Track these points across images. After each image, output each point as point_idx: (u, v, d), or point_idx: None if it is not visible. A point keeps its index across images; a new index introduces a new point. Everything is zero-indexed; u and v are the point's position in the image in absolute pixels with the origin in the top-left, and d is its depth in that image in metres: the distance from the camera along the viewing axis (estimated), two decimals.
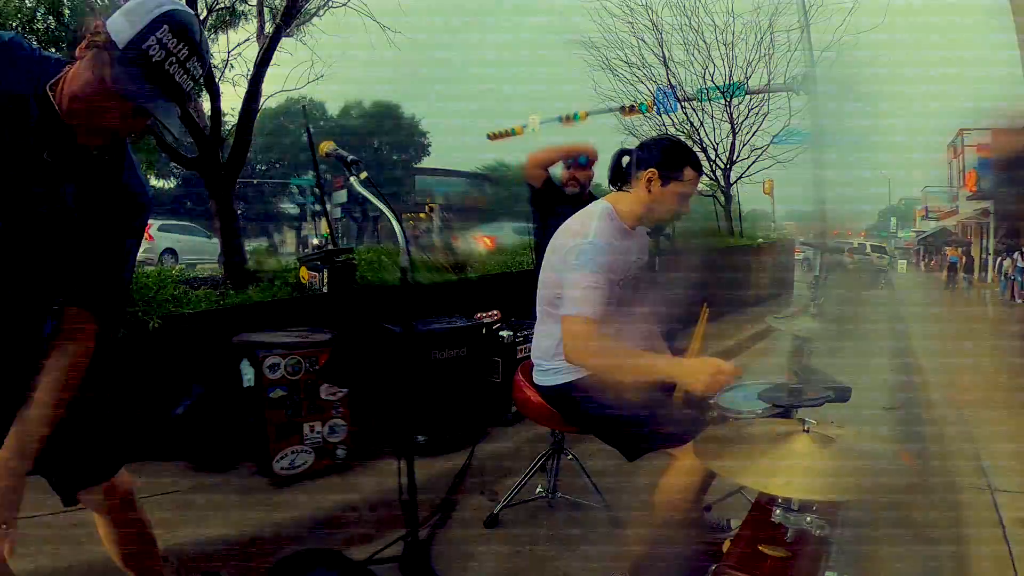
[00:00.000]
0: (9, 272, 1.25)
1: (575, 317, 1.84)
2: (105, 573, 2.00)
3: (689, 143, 12.41)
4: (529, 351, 2.29)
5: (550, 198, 3.28)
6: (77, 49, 1.17)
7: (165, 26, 1.13)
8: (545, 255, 2.11)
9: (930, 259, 27.85)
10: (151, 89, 1.15)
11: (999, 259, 15.83)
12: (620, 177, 2.10)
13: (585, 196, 3.23)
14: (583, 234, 1.94)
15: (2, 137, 1.16)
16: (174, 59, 1.15)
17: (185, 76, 1.18)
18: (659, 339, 2.31)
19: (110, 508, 1.50)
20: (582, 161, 3.30)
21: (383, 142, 31.82)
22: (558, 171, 3.41)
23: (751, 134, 12.03)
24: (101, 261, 1.33)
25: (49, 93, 1.18)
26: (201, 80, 1.26)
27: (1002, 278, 15.45)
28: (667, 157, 2.00)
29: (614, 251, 1.93)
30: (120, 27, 1.14)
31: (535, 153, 3.37)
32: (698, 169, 2.01)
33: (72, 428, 1.38)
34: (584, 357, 1.87)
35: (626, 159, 2.10)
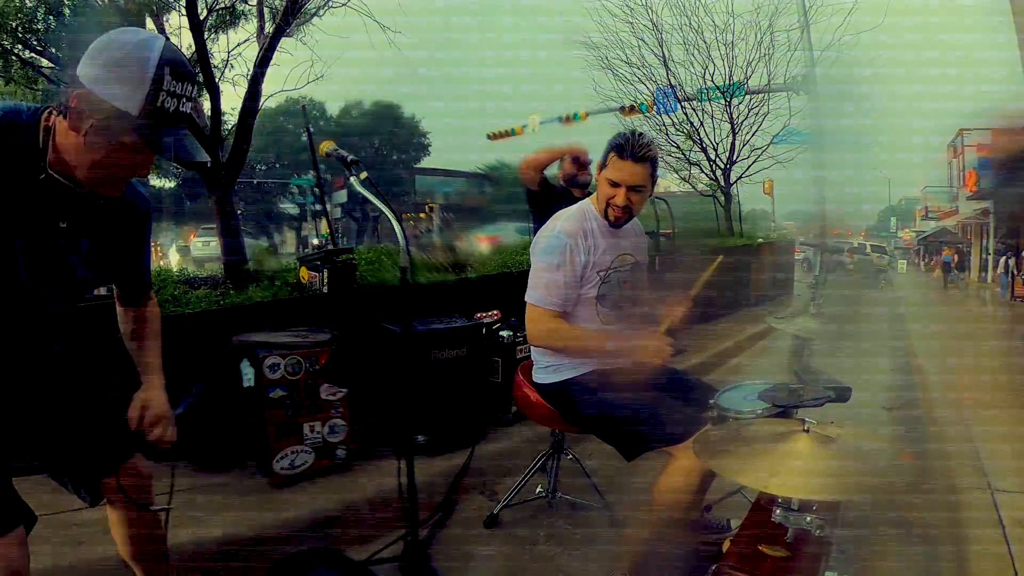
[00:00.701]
0: (31, 300, 1.31)
1: (530, 303, 2.04)
2: (105, 573, 2.01)
3: (689, 143, 12.42)
4: (529, 351, 2.30)
5: (547, 199, 3.29)
6: (68, 120, 1.16)
7: (168, 76, 1.15)
8: None
9: (930, 259, 27.89)
10: (177, 135, 1.20)
11: (1005, 257, 15.81)
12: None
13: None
14: (550, 228, 2.09)
15: (13, 219, 1.19)
16: (184, 98, 1.19)
17: (191, 103, 1.22)
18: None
19: (131, 492, 1.52)
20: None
21: (383, 142, 31.80)
22: (555, 170, 3.42)
23: (751, 134, 12.03)
24: (119, 267, 1.45)
25: (52, 173, 1.20)
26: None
27: (1007, 277, 15.41)
28: (608, 146, 2.06)
29: (583, 246, 2.03)
30: (120, 95, 1.13)
31: (529, 157, 3.39)
32: (620, 153, 1.99)
33: (87, 418, 1.47)
34: (538, 340, 2.08)
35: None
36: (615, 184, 2.02)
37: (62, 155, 1.20)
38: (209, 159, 1.70)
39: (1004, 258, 15.52)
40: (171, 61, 1.16)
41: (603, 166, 2.05)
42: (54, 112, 1.20)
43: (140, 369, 1.56)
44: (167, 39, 1.20)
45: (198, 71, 1.25)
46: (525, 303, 2.08)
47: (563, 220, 2.10)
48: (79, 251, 1.32)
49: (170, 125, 1.18)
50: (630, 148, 1.99)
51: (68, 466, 1.49)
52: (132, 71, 1.13)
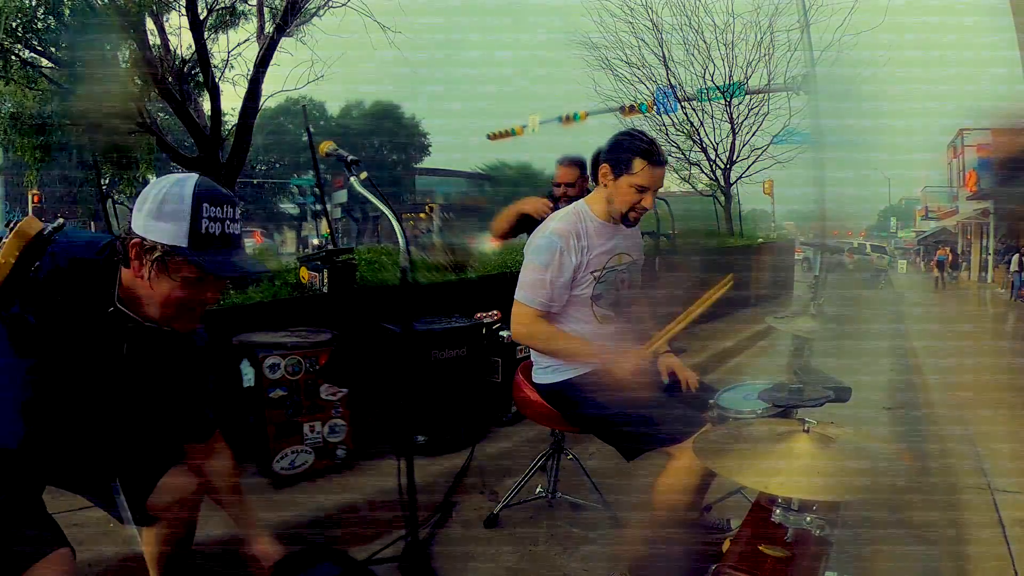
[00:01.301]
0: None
1: (516, 301, 2.06)
2: (105, 573, 2.01)
3: (689, 143, 12.39)
4: (529, 351, 2.30)
5: (533, 223, 3.28)
6: (132, 268, 1.27)
7: (204, 204, 1.24)
8: None
9: (929, 259, 27.93)
10: (231, 255, 1.29)
11: (1019, 255, 15.74)
12: (593, 174, 2.17)
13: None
14: (543, 229, 2.10)
15: (81, 348, 1.29)
16: (228, 220, 1.28)
17: (237, 224, 1.32)
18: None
19: (179, 507, 1.56)
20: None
21: (383, 142, 31.82)
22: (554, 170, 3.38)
23: (751, 134, 12.05)
24: (188, 394, 1.53)
25: (119, 306, 1.31)
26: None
27: (1022, 275, 15.32)
28: (616, 150, 2.03)
29: (575, 247, 2.03)
30: (168, 232, 1.23)
31: (493, 227, 3.35)
32: (650, 159, 1.98)
33: (128, 439, 1.50)
34: (520, 338, 2.12)
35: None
36: (643, 189, 2.01)
37: (129, 293, 1.30)
38: (270, 271, 1.79)
39: (1017, 256, 15.40)
40: (204, 190, 1.26)
41: (624, 172, 2.00)
42: (118, 259, 1.30)
43: (235, 522, 1.64)
44: (199, 175, 1.29)
45: (227, 195, 1.37)
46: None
47: (556, 221, 2.10)
48: (142, 379, 1.41)
49: (221, 247, 1.27)
50: (657, 153, 2.01)
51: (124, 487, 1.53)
52: (172, 208, 1.23)
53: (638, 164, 1.98)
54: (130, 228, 1.26)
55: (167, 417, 1.53)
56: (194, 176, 1.28)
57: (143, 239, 1.24)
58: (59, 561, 1.25)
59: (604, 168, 2.05)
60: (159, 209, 1.24)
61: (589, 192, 3.31)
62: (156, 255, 1.24)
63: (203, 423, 1.59)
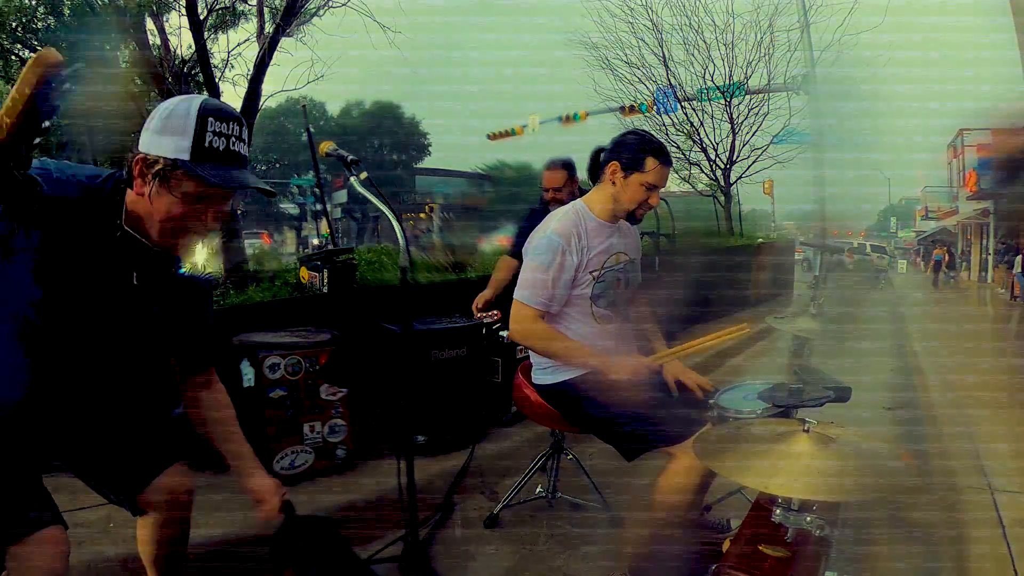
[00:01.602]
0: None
1: (516, 301, 2.05)
2: (105, 573, 2.01)
3: (689, 143, 12.39)
4: (528, 351, 2.29)
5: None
6: (134, 186, 1.26)
7: (210, 119, 1.23)
8: None
9: (929, 259, 27.94)
10: (236, 171, 1.27)
11: (1010, 257, 15.72)
12: (592, 173, 2.18)
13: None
14: (544, 228, 2.10)
15: (94, 273, 1.28)
16: (234, 137, 1.27)
17: (245, 145, 1.30)
18: (658, 337, 2.32)
19: (170, 505, 1.54)
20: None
21: (383, 142, 31.83)
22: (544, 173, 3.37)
23: (751, 134, 12.06)
24: (189, 328, 1.52)
25: (127, 228, 1.29)
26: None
27: (1020, 277, 15.29)
28: (627, 148, 2.05)
29: (576, 247, 2.04)
30: (170, 146, 1.22)
31: (482, 299, 3.42)
32: (661, 158, 2.03)
33: (123, 431, 1.52)
34: (519, 337, 2.10)
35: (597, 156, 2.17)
36: (652, 187, 2.05)
37: (134, 216, 1.29)
38: (275, 192, 1.77)
39: (1021, 257, 15.35)
40: (211, 106, 1.25)
41: (636, 169, 2.03)
42: (123, 184, 1.28)
43: (229, 457, 1.58)
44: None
45: (240, 115, 1.34)
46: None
47: (556, 220, 2.10)
48: (150, 309, 1.39)
49: (225, 164, 1.25)
50: (667, 152, 2.07)
51: (111, 477, 1.53)
52: (177, 123, 1.22)
53: (651, 163, 2.02)
54: (135, 147, 1.25)
55: (171, 347, 1.52)
56: (202, 95, 1.28)
57: (146, 155, 1.23)
58: (52, 540, 1.26)
59: (613, 166, 2.04)
60: (163, 124, 1.23)
61: (578, 194, 3.31)
62: (157, 168, 1.22)
63: (203, 355, 1.59)
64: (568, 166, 3.26)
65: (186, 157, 1.21)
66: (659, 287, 2.85)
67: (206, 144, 1.22)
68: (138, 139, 1.26)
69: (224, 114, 1.26)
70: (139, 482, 1.52)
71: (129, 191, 1.27)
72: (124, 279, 1.34)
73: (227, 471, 2.90)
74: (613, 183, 2.06)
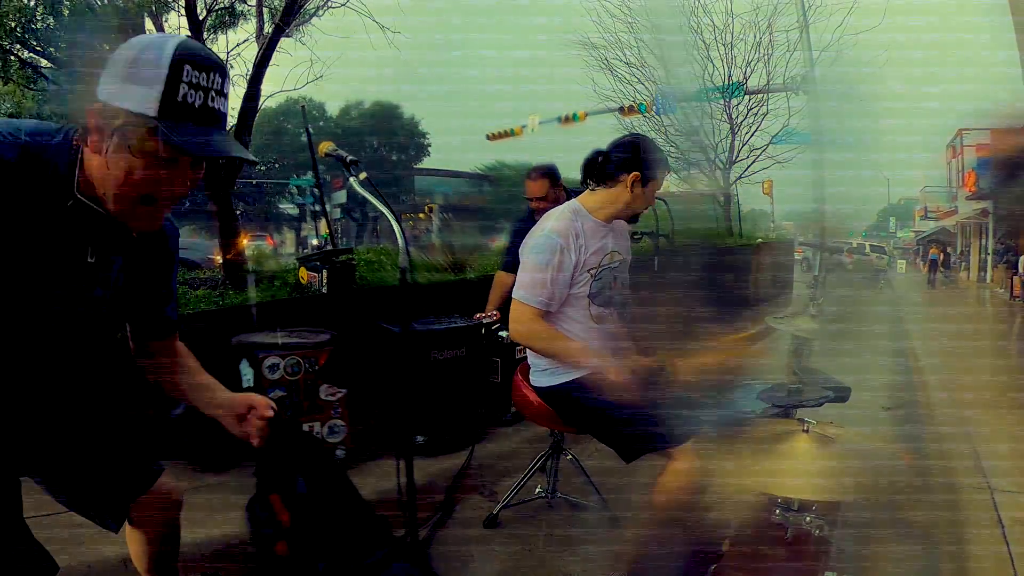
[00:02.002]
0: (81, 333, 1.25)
1: (515, 300, 2.07)
2: (105, 573, 2.01)
3: (688, 143, 12.43)
4: (528, 352, 2.30)
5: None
6: (89, 143, 1.05)
7: (187, 66, 1.01)
8: None
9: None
10: (209, 133, 1.05)
11: (1010, 257, 15.69)
12: (594, 175, 2.16)
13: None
14: (541, 228, 2.12)
15: (40, 250, 1.08)
16: (214, 92, 1.05)
17: (224, 99, 1.08)
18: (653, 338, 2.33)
19: (162, 518, 1.47)
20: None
21: (383, 142, 31.82)
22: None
23: (750, 134, 12.06)
24: (152, 293, 1.35)
25: (80, 196, 1.08)
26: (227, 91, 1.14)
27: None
28: (648, 160, 2.12)
29: (574, 245, 2.06)
30: (136, 96, 1.00)
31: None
32: (669, 168, 2.26)
33: (109, 445, 1.39)
34: (519, 337, 2.12)
35: (600, 159, 2.16)
36: (655, 192, 2.19)
37: (89, 180, 1.08)
38: (256, 160, 1.60)
39: None
40: (189, 51, 1.02)
41: (652, 179, 2.11)
42: (78, 137, 1.08)
43: (205, 393, 1.47)
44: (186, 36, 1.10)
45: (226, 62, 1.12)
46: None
47: (554, 220, 2.11)
48: (108, 285, 1.21)
49: (200, 123, 1.03)
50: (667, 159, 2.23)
51: (94, 494, 1.40)
52: (145, 69, 1.00)
53: (663, 173, 2.18)
54: (92, 93, 1.03)
55: (130, 321, 1.36)
56: (178, 37, 1.04)
57: (105, 105, 1.01)
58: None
59: (635, 176, 2.08)
60: (129, 70, 1.00)
61: (564, 198, 3.29)
62: (117, 123, 1.00)
63: (166, 323, 1.41)
64: (549, 174, 3.29)
65: (153, 113, 0.99)
66: (658, 287, 2.85)
67: (179, 98, 1.00)
68: (96, 83, 1.02)
69: (203, 60, 1.03)
70: (119, 504, 1.39)
71: (85, 149, 1.06)
72: (77, 257, 1.13)
73: (226, 471, 2.90)
74: (632, 191, 2.09)
